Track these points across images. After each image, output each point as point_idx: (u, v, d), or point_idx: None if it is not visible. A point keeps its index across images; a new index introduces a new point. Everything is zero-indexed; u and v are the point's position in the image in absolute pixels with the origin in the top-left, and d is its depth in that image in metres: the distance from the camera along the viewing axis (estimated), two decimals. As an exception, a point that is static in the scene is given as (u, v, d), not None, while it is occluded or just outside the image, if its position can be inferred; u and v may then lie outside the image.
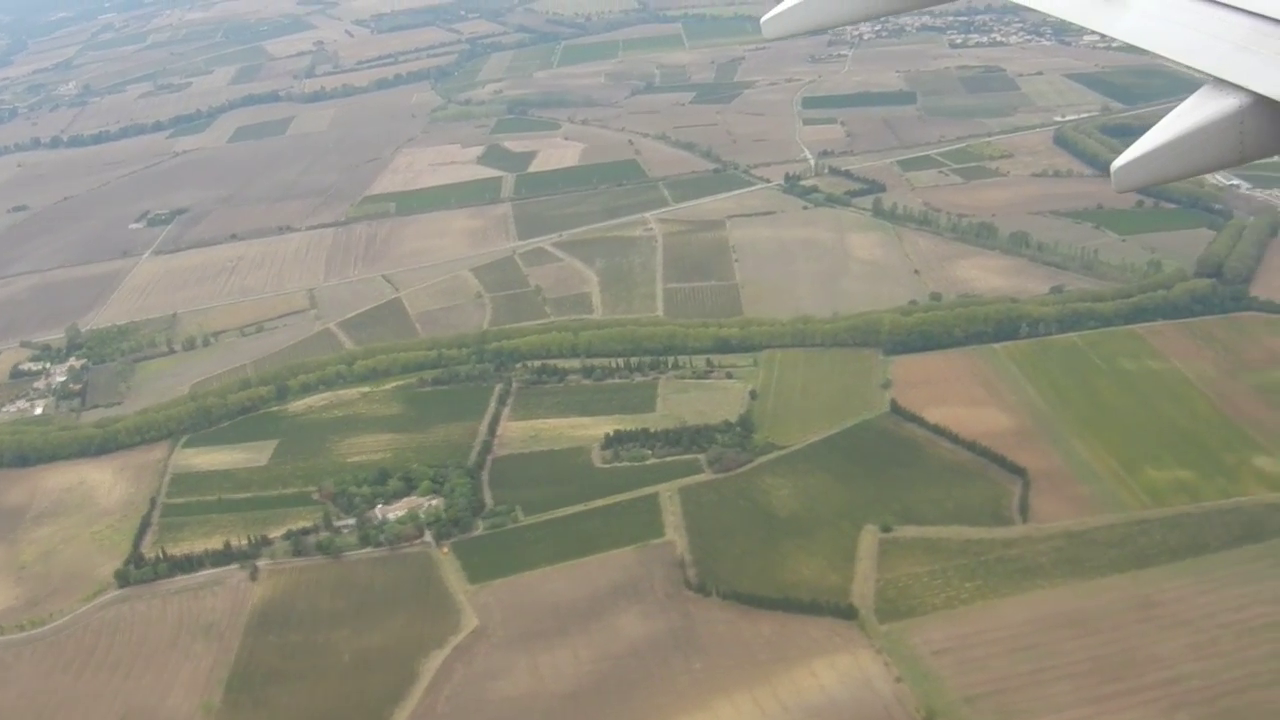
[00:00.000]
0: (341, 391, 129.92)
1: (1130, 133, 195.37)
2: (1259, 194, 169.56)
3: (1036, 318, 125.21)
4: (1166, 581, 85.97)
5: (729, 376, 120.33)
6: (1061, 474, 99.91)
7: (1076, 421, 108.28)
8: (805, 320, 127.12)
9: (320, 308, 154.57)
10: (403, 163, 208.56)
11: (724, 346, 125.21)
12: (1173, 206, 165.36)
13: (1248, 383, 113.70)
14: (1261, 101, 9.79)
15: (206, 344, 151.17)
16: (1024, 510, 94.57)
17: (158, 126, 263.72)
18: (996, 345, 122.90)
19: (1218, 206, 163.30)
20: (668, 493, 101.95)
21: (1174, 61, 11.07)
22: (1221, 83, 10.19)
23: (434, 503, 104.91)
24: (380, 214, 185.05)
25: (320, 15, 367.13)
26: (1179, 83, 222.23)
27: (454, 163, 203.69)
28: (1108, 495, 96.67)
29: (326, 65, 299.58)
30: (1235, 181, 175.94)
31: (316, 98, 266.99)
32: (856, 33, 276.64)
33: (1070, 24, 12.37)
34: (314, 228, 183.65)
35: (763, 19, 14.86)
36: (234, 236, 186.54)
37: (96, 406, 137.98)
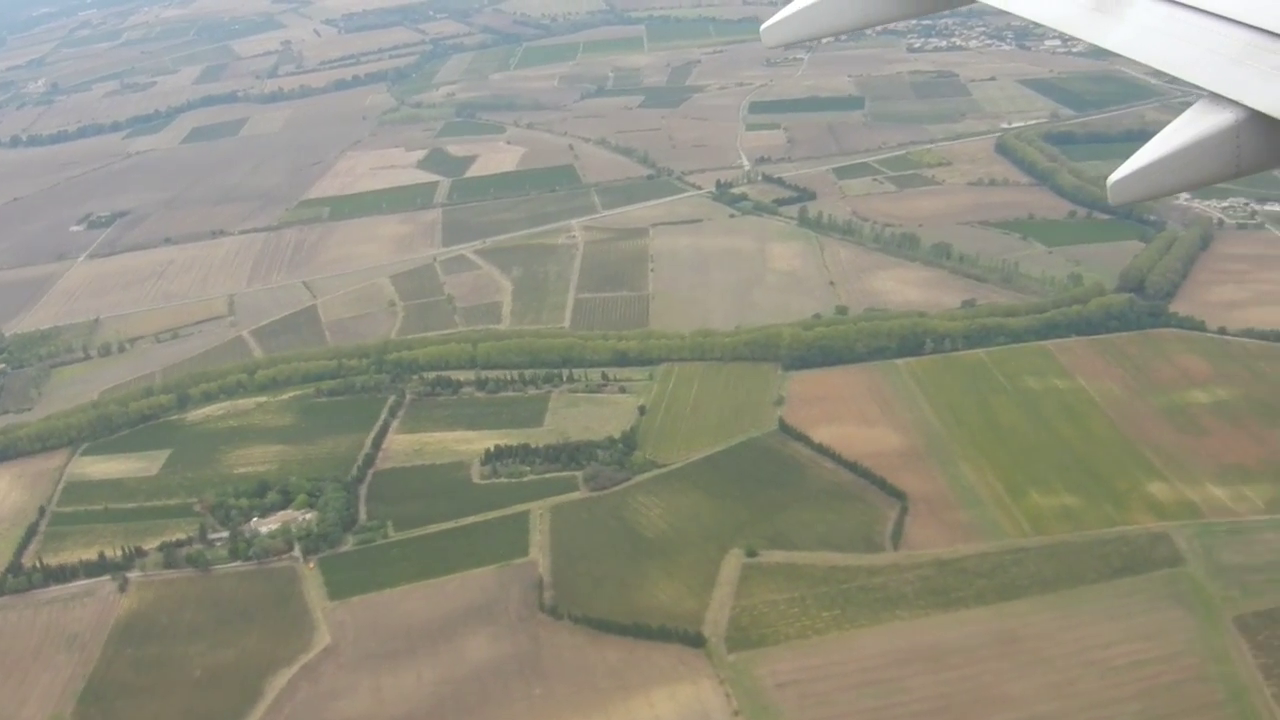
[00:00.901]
0: (240, 401, 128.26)
1: (1074, 141, 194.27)
2: (1197, 205, 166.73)
3: (943, 333, 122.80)
4: (1033, 615, 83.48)
5: (622, 391, 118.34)
6: (943, 498, 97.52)
7: (969, 442, 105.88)
8: (706, 333, 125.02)
9: (238, 314, 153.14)
10: (345, 166, 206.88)
11: (622, 360, 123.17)
12: (1106, 218, 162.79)
13: (1154, 403, 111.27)
14: (1257, 116, 9.74)
15: (122, 350, 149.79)
16: (896, 536, 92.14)
17: (115, 127, 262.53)
18: (900, 361, 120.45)
19: (1152, 218, 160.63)
20: (539, 511, 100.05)
21: (1166, 74, 10.94)
22: (1217, 97, 10.10)
23: (308, 517, 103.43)
24: (313, 219, 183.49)
25: (293, 14, 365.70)
26: (1132, 89, 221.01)
27: (394, 166, 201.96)
28: (987, 522, 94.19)
29: (290, 65, 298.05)
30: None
31: (274, 98, 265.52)
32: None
33: (1063, 33, 12.27)
34: (246, 232, 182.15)
35: (762, 27, 14.85)
36: (168, 240, 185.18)
37: (7, 412, 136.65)
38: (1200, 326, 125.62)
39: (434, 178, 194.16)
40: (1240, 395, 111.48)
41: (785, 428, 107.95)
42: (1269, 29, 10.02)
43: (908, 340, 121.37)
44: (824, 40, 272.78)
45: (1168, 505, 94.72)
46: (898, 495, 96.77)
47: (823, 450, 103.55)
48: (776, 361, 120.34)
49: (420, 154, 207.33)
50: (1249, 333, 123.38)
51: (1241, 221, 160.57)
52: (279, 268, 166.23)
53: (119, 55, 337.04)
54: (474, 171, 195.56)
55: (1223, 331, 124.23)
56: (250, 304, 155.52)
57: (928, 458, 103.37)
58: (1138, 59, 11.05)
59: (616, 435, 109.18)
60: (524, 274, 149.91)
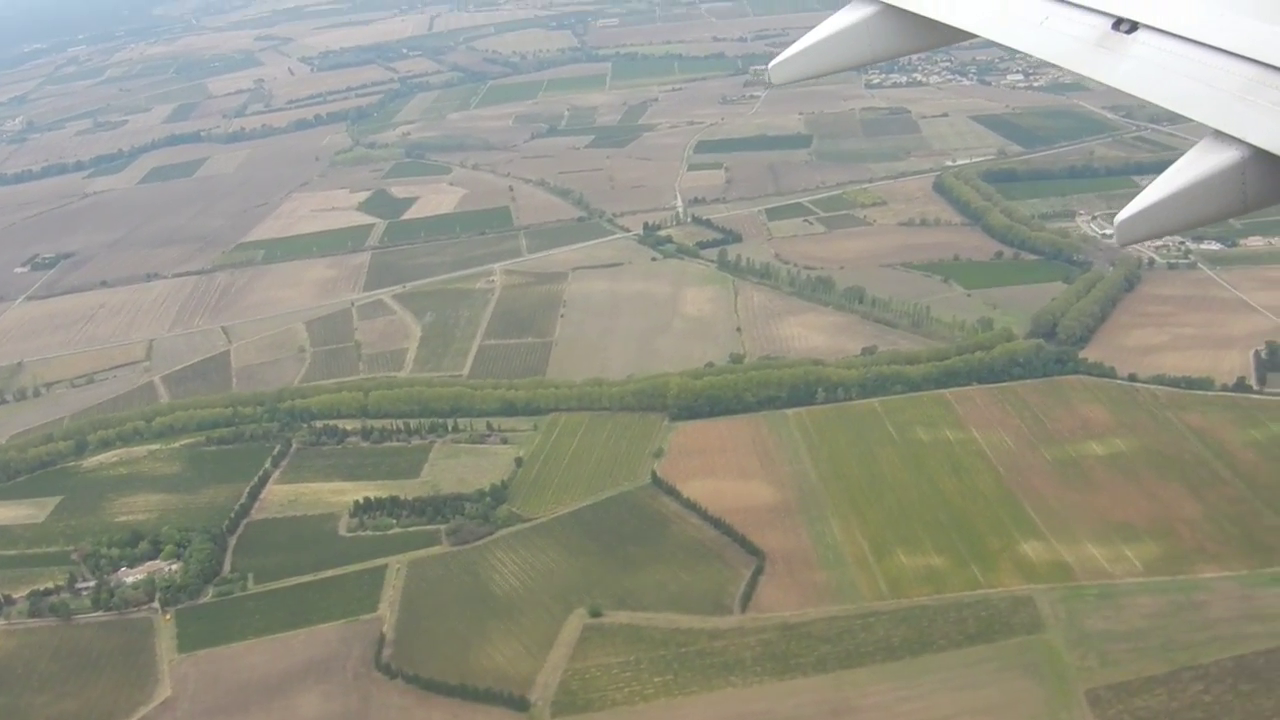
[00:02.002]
0: (134, 448, 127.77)
1: (1015, 178, 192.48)
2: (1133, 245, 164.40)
3: (836, 382, 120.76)
4: (872, 684, 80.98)
5: (504, 442, 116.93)
6: (804, 557, 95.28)
7: (843, 498, 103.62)
8: (596, 383, 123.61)
9: (154, 360, 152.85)
10: (288, 208, 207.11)
11: (510, 409, 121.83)
12: (1034, 258, 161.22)
13: (1046, 456, 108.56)
14: (1262, 152, 9.71)
15: (38, 394, 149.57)
16: (746, 598, 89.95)
17: (79, 166, 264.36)
18: (790, 411, 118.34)
19: (1080, 258, 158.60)
20: (397, 566, 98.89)
21: (1169, 111, 10.79)
22: (1221, 134, 10.06)
23: (173, 568, 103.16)
24: (246, 262, 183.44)
25: (272, 52, 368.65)
26: (1087, 124, 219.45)
27: (336, 209, 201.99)
28: (844, 583, 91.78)
29: (259, 104, 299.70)
30: (1109, 230, 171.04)
31: (236, 138, 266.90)
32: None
33: (1068, 69, 12.04)
34: (179, 275, 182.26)
35: (770, 65, 15.09)
36: (104, 283, 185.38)
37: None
38: (1109, 373, 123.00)
39: (371, 220, 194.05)
40: (1139, 447, 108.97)
41: (657, 481, 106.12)
42: (1271, 63, 9.85)
43: (799, 389, 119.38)
44: (768, 80, 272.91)
45: (1038, 566, 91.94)
46: (756, 554, 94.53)
47: (691, 505, 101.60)
48: (664, 411, 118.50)
49: (363, 195, 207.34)
50: (1159, 379, 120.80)
51: (1173, 261, 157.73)
52: (203, 312, 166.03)
53: (98, 93, 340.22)
54: (412, 214, 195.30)
55: (1132, 379, 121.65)
56: (168, 349, 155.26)
57: (798, 513, 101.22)
58: (1141, 95, 10.90)
59: (489, 488, 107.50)
60: (435, 320, 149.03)
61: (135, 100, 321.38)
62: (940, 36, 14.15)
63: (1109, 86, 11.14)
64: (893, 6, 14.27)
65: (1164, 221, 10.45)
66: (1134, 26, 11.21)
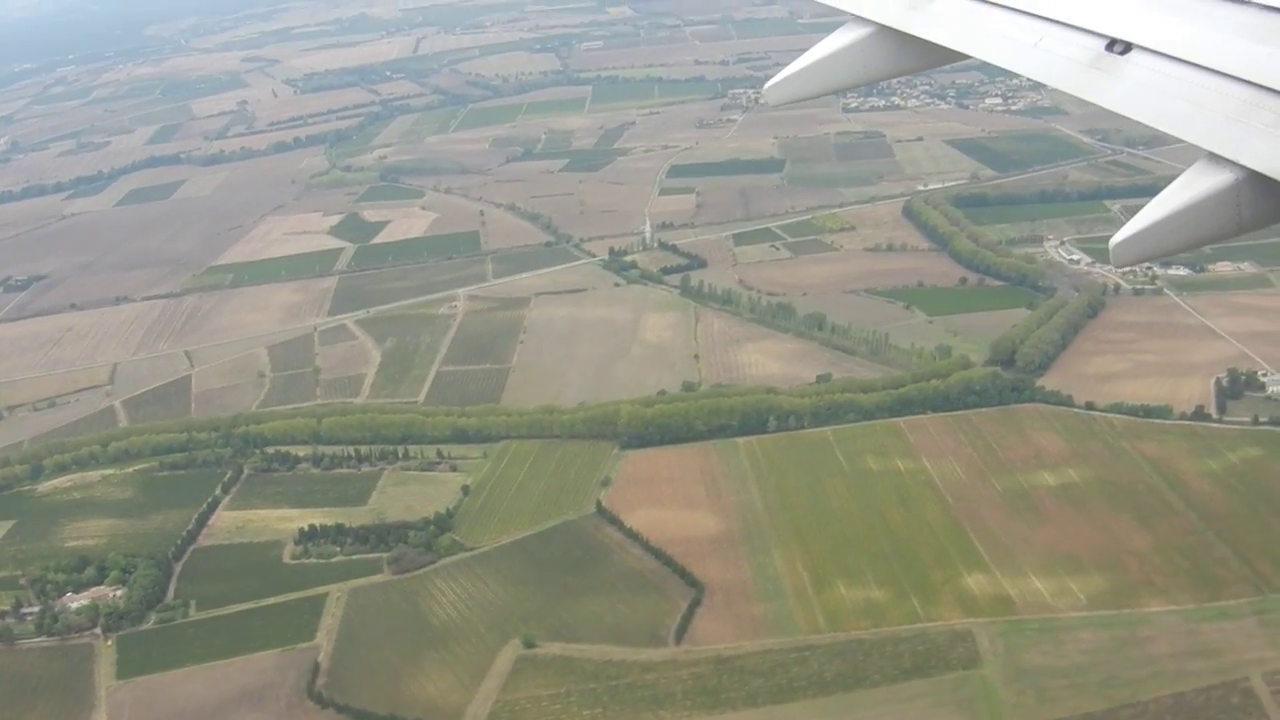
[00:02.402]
0: (89, 473, 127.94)
1: (986, 203, 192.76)
2: (1098, 270, 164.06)
3: (788, 410, 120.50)
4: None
5: (453, 469, 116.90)
6: (744, 589, 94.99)
7: (788, 529, 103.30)
8: (548, 410, 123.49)
9: (116, 384, 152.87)
10: (260, 231, 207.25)
11: (462, 436, 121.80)
12: (998, 284, 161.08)
13: (997, 486, 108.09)
14: (1257, 174, 9.71)
15: (0, 418, 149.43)
16: (682, 630, 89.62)
17: (59, 187, 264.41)
18: (741, 440, 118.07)
19: (1045, 284, 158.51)
20: (337, 594, 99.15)
21: (1163, 133, 10.66)
22: (1216, 156, 10.04)
23: (117, 594, 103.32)
24: (215, 286, 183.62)
25: (258, 73, 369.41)
26: (1062, 148, 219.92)
27: (307, 232, 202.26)
28: (782, 616, 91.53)
29: (241, 126, 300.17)
30: (1077, 256, 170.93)
31: (214, 160, 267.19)
32: (752, 97, 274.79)
33: (1064, 91, 11.95)
34: (149, 298, 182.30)
35: (765, 86, 15.08)
36: (73, 306, 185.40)
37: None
38: (1067, 402, 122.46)
39: (341, 244, 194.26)
40: (1092, 477, 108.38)
41: (602, 511, 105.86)
42: (1264, 84, 9.83)
43: (750, 418, 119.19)
44: (761, 100, 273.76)
45: (980, 599, 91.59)
46: (695, 585, 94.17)
47: (633, 536, 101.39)
48: (615, 440, 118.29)
49: (336, 219, 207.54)
50: (1117, 408, 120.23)
51: (1139, 287, 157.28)
52: (168, 336, 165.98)
53: (83, 114, 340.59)
54: (382, 238, 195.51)
55: (1089, 407, 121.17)
56: (131, 373, 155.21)
57: (741, 544, 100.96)
58: (1135, 118, 10.90)
59: (433, 516, 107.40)
60: (396, 345, 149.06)
61: (119, 121, 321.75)
62: (935, 58, 14.14)
63: (1102, 108, 11.29)
64: (887, 28, 14.26)
65: (1159, 244, 10.47)
66: (1127, 48, 11.21)
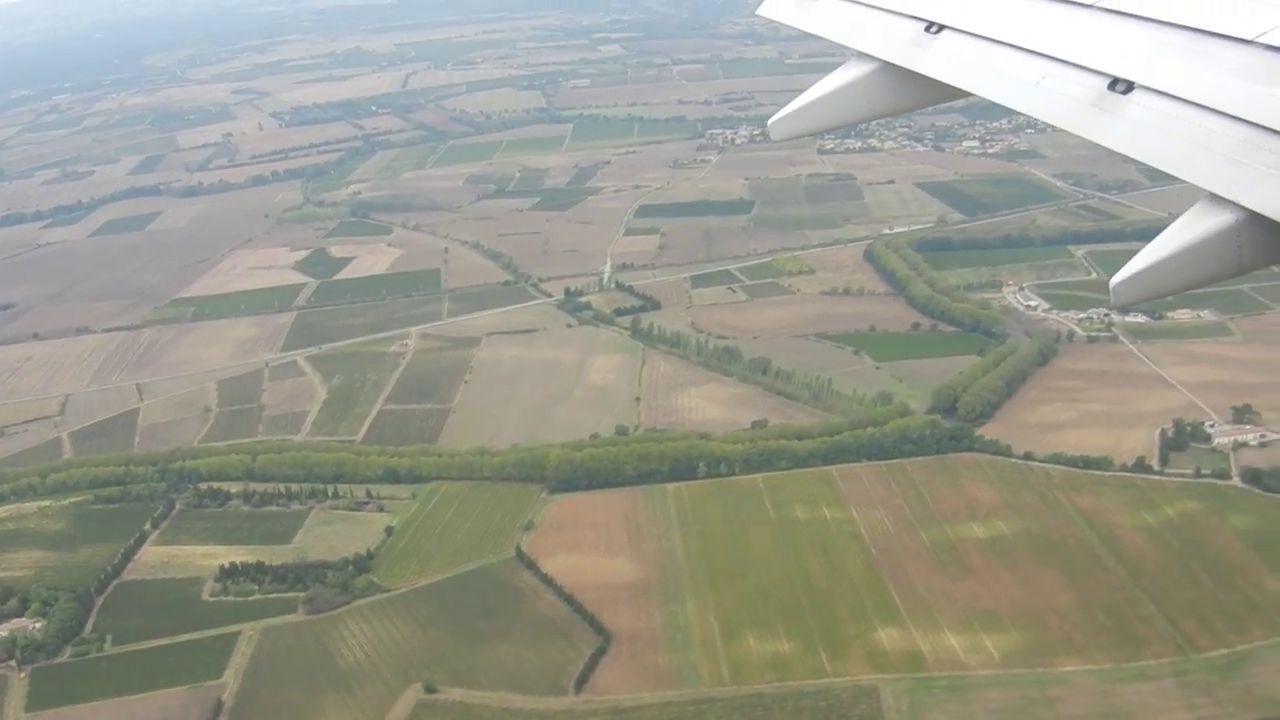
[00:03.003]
0: (26, 504, 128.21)
1: (949, 247, 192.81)
2: (1054, 316, 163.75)
3: (719, 456, 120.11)
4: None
5: (380, 510, 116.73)
6: (653, 639, 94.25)
7: (705, 578, 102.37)
8: (480, 452, 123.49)
9: (66, 415, 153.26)
10: (227, 265, 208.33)
11: (394, 476, 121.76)
12: (952, 330, 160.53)
13: (923, 538, 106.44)
14: (1257, 215, 9.74)
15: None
16: (583, 680, 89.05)
17: (38, 216, 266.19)
18: (671, 486, 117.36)
19: (998, 330, 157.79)
20: (250, 633, 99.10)
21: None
22: (1217, 196, 10.05)
23: (37, 626, 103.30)
24: (175, 319, 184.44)
25: (248, 105, 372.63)
26: (1034, 192, 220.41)
27: (273, 267, 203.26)
28: (686, 667, 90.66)
29: (222, 159, 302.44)
30: (1034, 302, 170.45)
31: (192, 193, 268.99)
32: (729, 137, 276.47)
33: (1064, 129, 11.79)
34: (109, 330, 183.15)
35: (769, 121, 15.06)
36: (35, 335, 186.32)
37: None
38: (1005, 451, 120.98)
39: (304, 279, 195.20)
40: (1022, 530, 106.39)
41: (521, 556, 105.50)
42: (1266, 125, 9.84)
43: (681, 464, 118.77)
44: (738, 141, 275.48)
45: (890, 655, 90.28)
46: (603, 634, 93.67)
47: (548, 581, 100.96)
48: (544, 483, 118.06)
49: (302, 254, 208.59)
50: (1056, 458, 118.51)
51: (1094, 334, 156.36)
52: (124, 368, 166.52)
53: (72, 142, 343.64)
54: (345, 274, 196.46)
55: (1028, 457, 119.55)
56: (81, 405, 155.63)
57: (655, 592, 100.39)
58: (1136, 157, 10.90)
59: (353, 556, 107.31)
60: (343, 382, 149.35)
61: (105, 151, 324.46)
62: (938, 95, 14.21)
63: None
64: (892, 65, 14.31)
65: (1159, 283, 10.45)
66: (1129, 87, 11.17)
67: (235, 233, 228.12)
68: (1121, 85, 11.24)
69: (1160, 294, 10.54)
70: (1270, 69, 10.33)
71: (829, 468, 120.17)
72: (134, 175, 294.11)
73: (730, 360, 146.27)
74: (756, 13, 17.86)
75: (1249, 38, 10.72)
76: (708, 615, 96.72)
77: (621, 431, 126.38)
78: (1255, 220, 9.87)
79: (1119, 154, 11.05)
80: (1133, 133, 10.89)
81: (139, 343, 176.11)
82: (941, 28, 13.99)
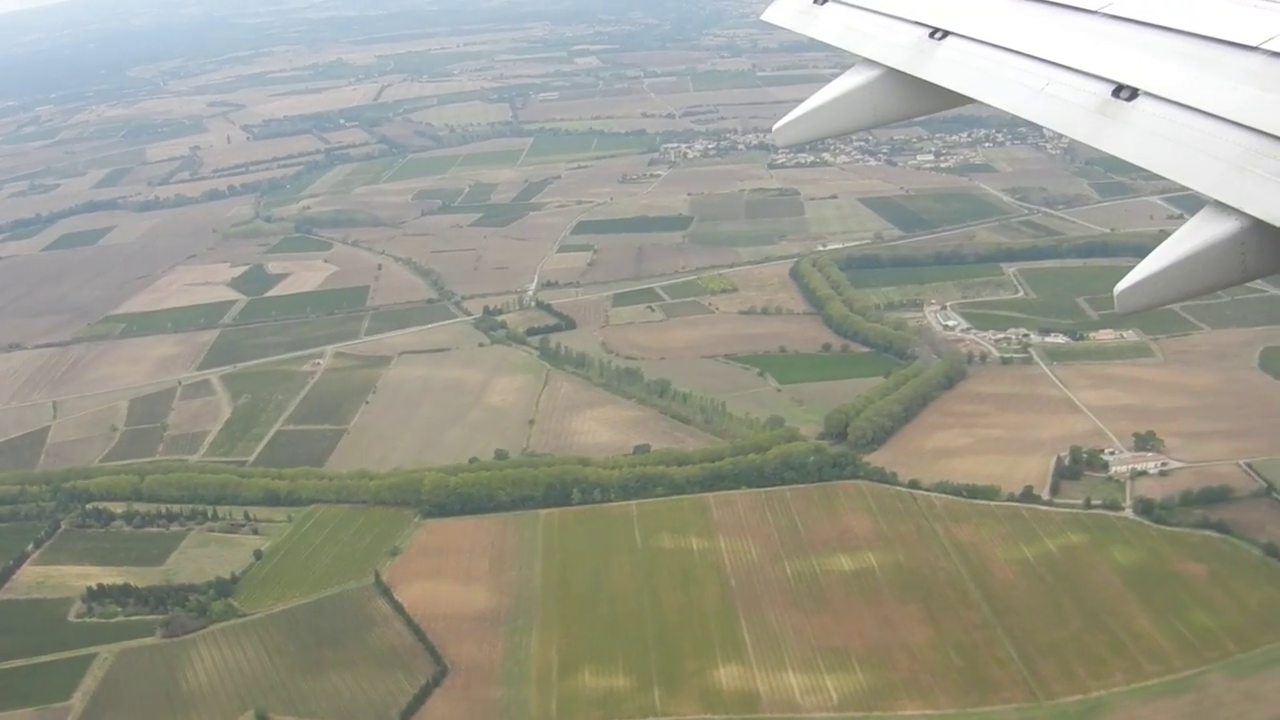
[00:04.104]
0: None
1: (878, 265, 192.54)
2: (972, 336, 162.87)
3: (595, 482, 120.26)
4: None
5: (254, 532, 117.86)
6: (489, 671, 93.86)
7: (557, 608, 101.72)
8: (360, 475, 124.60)
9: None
10: (166, 281, 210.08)
11: (273, 499, 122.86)
12: (865, 350, 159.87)
13: (788, 570, 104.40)
14: (1262, 223, 9.74)
15: None
16: (410, 713, 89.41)
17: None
18: (544, 512, 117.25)
19: (910, 351, 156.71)
20: (106, 655, 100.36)
21: (1170, 180, 10.85)
22: (1221, 204, 10.06)
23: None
24: (105, 335, 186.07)
25: (221, 118, 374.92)
26: (978, 207, 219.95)
27: (208, 283, 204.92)
28: (515, 702, 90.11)
29: (185, 173, 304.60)
30: (953, 322, 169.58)
31: (148, 207, 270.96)
32: (682, 151, 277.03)
33: (1068, 137, 11.99)
34: (40, 346, 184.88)
35: (774, 127, 15.01)
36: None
37: None
38: (891, 479, 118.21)
39: (236, 296, 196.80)
40: (891, 563, 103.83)
41: (379, 582, 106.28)
42: (1268, 131, 9.84)
43: (555, 490, 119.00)
44: (690, 155, 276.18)
45: (726, 695, 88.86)
46: (441, 665, 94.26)
47: (400, 609, 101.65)
48: (419, 507, 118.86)
49: (240, 271, 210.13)
50: (942, 487, 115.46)
51: (1008, 355, 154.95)
52: (46, 386, 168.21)
53: (44, 154, 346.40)
54: (277, 291, 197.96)
55: (913, 486, 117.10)
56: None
57: (504, 623, 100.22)
58: (1140, 164, 10.88)
59: (216, 580, 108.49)
60: (248, 402, 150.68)
61: (75, 164, 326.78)
62: (943, 101, 14.10)
63: (1110, 154, 11.25)
64: (896, 71, 14.20)
65: (1163, 291, 10.37)
66: (1134, 93, 11.08)
67: (181, 248, 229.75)
68: (1126, 92, 11.18)
69: (1164, 301, 10.50)
70: (1275, 76, 10.25)
71: (706, 495, 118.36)
72: (97, 189, 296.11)
73: (630, 382, 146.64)
74: (761, 18, 18.08)
75: (1254, 44, 10.60)
76: (550, 648, 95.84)
77: (501, 455, 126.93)
78: (1260, 228, 9.83)
79: (1123, 161, 11.08)
80: (1137, 139, 10.88)
81: (66, 360, 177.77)
82: (946, 34, 13.91)
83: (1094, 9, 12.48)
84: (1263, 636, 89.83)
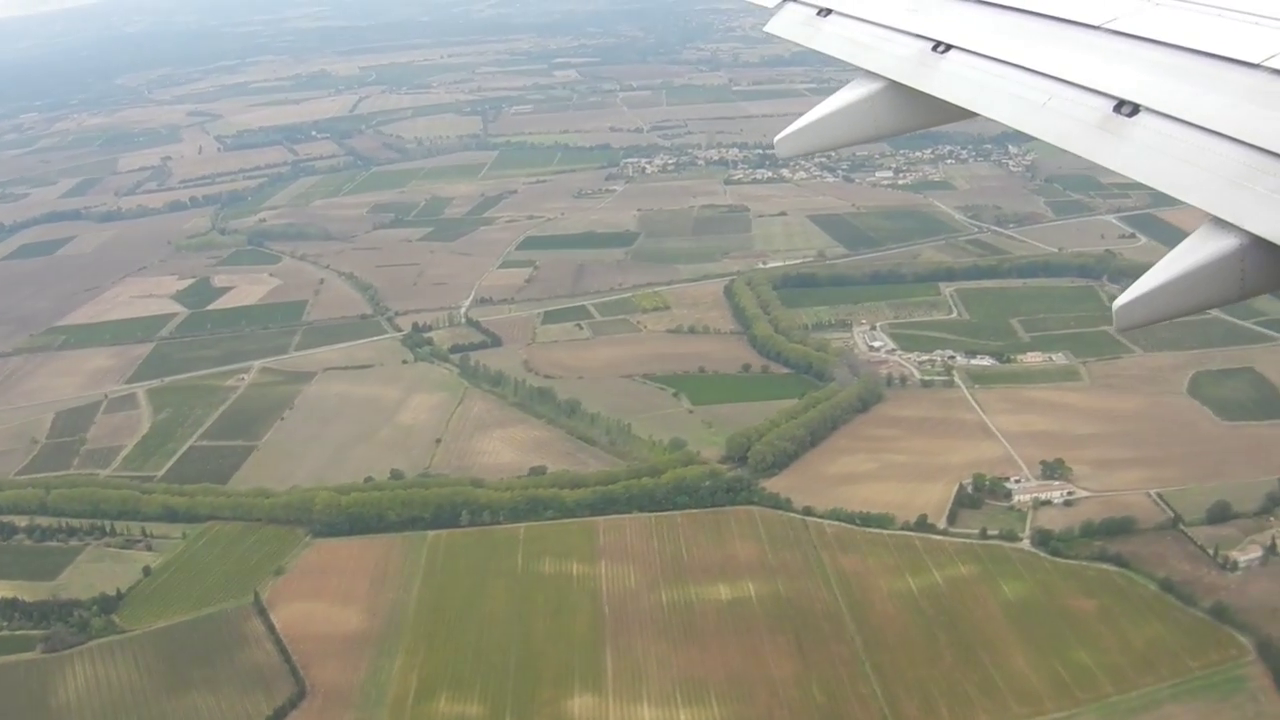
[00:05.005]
0: None
1: (815, 284, 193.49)
2: (897, 358, 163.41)
3: (485, 504, 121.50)
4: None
5: (148, 549, 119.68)
6: (347, 694, 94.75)
7: (425, 631, 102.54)
8: (258, 493, 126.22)
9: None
10: (113, 294, 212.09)
11: (171, 515, 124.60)
12: (786, 371, 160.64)
13: (664, 598, 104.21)
14: (1260, 240, 9.83)
15: None
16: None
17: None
18: (432, 533, 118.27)
19: (828, 373, 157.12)
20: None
21: (1170, 197, 11.05)
22: (1220, 220, 10.17)
23: None
24: (44, 347, 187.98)
25: (197, 129, 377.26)
26: (928, 225, 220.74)
27: (153, 296, 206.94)
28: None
29: (153, 183, 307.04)
30: (880, 343, 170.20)
31: (110, 218, 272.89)
32: (641, 166, 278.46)
33: (1070, 151, 12.06)
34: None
35: (775, 139, 15.22)
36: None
37: None
38: (785, 506, 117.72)
39: (178, 309, 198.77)
40: (769, 592, 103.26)
41: (257, 601, 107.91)
42: (1268, 149, 9.90)
43: (445, 511, 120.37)
44: (649, 170, 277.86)
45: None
46: (301, 686, 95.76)
47: (272, 629, 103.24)
48: (310, 526, 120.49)
49: (187, 284, 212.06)
50: (836, 514, 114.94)
51: (930, 378, 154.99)
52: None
53: (20, 163, 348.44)
54: (218, 304, 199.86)
55: (808, 512, 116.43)
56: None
57: (372, 645, 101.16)
58: (1140, 180, 10.99)
59: (100, 596, 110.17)
60: (168, 417, 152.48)
61: (47, 173, 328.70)
62: (943, 115, 14.14)
63: (1112, 170, 11.34)
64: (898, 84, 14.27)
65: (1161, 307, 10.42)
66: (1135, 109, 11.14)
67: (134, 260, 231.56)
68: (1127, 107, 11.24)
69: (1163, 317, 10.56)
70: (1275, 93, 10.30)
71: (596, 519, 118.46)
72: (64, 199, 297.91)
73: (542, 402, 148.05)
74: (765, 29, 17.99)
75: (1255, 61, 10.66)
76: (411, 672, 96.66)
77: (396, 475, 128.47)
78: (1259, 245, 9.84)
79: (1126, 176, 11.16)
80: (1137, 155, 10.96)
81: (3, 371, 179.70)
82: (949, 47, 13.96)
83: (1097, 24, 12.51)
84: (1142, 678, 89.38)
